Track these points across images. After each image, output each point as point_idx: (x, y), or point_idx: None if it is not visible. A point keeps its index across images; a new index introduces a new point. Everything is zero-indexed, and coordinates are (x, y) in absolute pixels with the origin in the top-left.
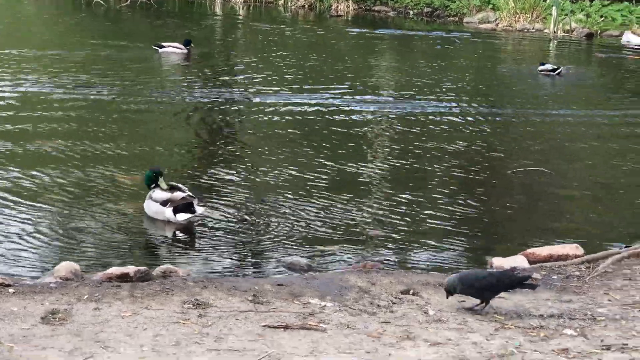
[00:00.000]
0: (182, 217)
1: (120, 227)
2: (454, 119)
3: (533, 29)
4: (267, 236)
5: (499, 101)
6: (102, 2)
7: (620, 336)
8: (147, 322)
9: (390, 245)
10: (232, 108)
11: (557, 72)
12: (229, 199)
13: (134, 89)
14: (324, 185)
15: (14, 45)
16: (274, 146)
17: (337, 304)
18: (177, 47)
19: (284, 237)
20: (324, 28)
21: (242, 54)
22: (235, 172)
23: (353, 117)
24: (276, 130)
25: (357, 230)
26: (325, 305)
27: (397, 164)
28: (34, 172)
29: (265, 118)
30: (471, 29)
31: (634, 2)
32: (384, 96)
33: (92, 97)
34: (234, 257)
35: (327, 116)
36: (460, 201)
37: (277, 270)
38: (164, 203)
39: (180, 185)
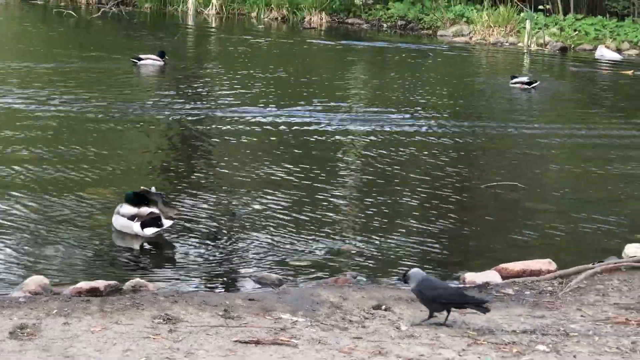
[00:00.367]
0: (150, 231)
1: (90, 241)
2: (427, 133)
3: (507, 42)
4: (239, 250)
5: (472, 115)
6: (72, 13)
7: (593, 352)
8: (117, 337)
9: (362, 260)
10: (205, 122)
11: (532, 85)
12: (200, 212)
13: (109, 102)
14: (296, 199)
15: None
16: (246, 160)
17: (308, 319)
18: (155, 60)
19: (256, 252)
20: (296, 41)
21: (215, 66)
22: (206, 186)
23: (325, 131)
24: (248, 144)
25: (329, 245)
26: (296, 321)
27: (369, 179)
28: (3, 186)
29: (238, 132)
30: (445, 42)
31: (607, 16)
32: (356, 110)
33: (65, 110)
34: (205, 272)
35: (299, 130)
36: (433, 216)
37: (248, 284)
38: (131, 218)
39: (151, 190)
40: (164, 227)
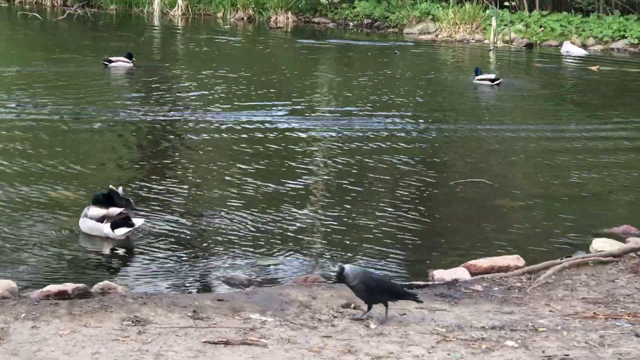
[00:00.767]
0: (121, 232)
1: (58, 244)
2: (393, 131)
3: (473, 39)
4: (208, 251)
5: (439, 113)
6: (37, 15)
7: (562, 347)
8: (86, 340)
9: (331, 259)
10: (174, 124)
11: (496, 82)
12: (169, 214)
13: (78, 105)
14: (265, 199)
15: None
16: (214, 162)
17: (277, 318)
18: (124, 62)
19: (225, 252)
20: (263, 40)
21: (183, 67)
22: (175, 188)
23: (293, 131)
24: (216, 146)
25: (298, 244)
26: (266, 320)
27: (337, 178)
28: None
29: (206, 134)
30: (411, 40)
31: (572, 12)
32: (323, 110)
33: (33, 113)
34: (173, 273)
35: (267, 131)
36: (401, 213)
37: (217, 285)
38: (100, 219)
39: (119, 190)
40: (135, 227)
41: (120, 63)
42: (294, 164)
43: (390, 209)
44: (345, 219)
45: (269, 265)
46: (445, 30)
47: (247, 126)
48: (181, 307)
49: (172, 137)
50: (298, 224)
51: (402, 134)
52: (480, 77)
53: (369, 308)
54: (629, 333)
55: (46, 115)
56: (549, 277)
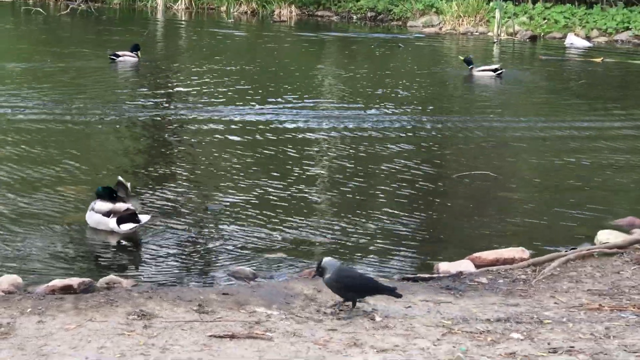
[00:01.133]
0: (127, 227)
1: (63, 238)
2: (398, 124)
3: (477, 32)
4: (212, 245)
5: (443, 105)
6: (41, 10)
7: (567, 339)
8: (92, 334)
9: (336, 252)
10: (181, 119)
11: (498, 72)
12: (174, 208)
13: (85, 101)
14: (270, 193)
15: None
16: (220, 157)
17: (283, 312)
18: (130, 56)
19: (229, 246)
20: (267, 34)
21: (187, 61)
22: (180, 182)
23: (297, 125)
24: (222, 141)
25: (303, 237)
26: (271, 314)
27: (341, 171)
28: None
29: (213, 129)
30: (415, 32)
31: (576, 4)
32: (327, 104)
33: (40, 109)
34: (178, 267)
35: (272, 125)
36: (406, 207)
37: (222, 279)
38: (107, 214)
39: (125, 182)
40: (141, 223)
41: (127, 58)
42: (297, 157)
43: (394, 202)
44: (349, 212)
45: (273, 258)
46: (449, 23)
47: (251, 120)
48: (186, 301)
49: (179, 132)
50: (302, 217)
51: (406, 127)
52: (481, 68)
53: (347, 302)
54: (634, 324)
55: (53, 111)
56: (554, 269)
